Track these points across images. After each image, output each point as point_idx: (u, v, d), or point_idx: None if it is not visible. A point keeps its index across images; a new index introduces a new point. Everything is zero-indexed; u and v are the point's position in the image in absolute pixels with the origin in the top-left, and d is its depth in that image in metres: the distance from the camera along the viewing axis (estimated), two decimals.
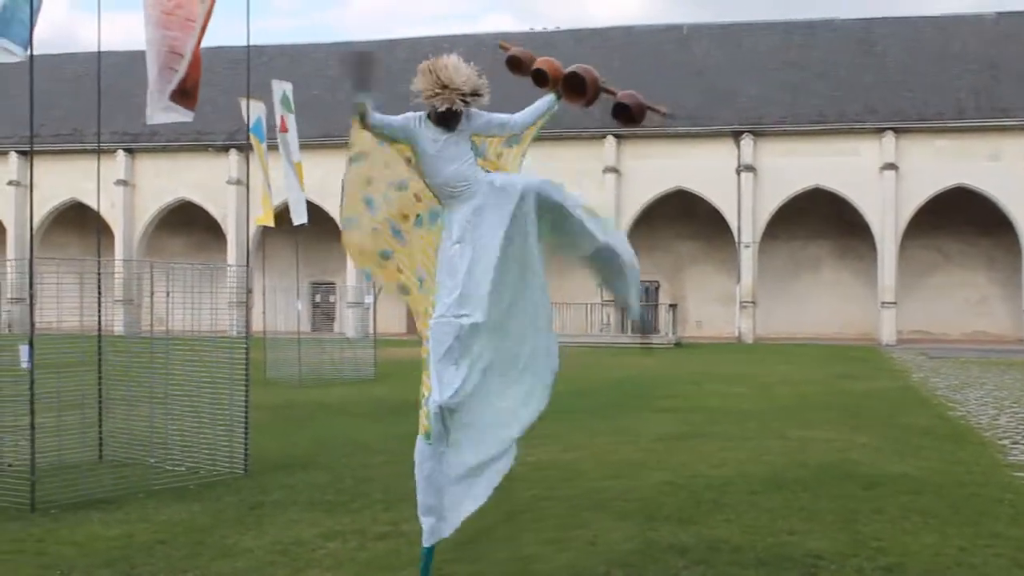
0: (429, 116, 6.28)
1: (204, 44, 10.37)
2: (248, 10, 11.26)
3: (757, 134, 43.51)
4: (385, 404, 16.81)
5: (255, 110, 22.67)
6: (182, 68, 10.06)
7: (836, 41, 47.54)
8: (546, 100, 6.85)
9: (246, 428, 10.02)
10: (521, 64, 6.88)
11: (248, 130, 22.27)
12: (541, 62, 6.71)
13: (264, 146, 23.08)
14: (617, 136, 44.80)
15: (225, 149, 48.46)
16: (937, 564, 6.51)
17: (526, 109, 6.87)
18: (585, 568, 6.45)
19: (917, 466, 10.29)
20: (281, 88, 23.29)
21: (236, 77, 44.36)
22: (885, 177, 42.97)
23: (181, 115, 10.32)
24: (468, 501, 6.23)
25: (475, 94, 6.29)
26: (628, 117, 6.70)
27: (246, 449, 9.95)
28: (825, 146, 43.36)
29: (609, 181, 44.95)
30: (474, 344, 6.05)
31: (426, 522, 6.04)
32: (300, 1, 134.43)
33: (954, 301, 46.64)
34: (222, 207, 49.21)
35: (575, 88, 6.71)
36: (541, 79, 6.73)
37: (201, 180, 49.33)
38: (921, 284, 46.27)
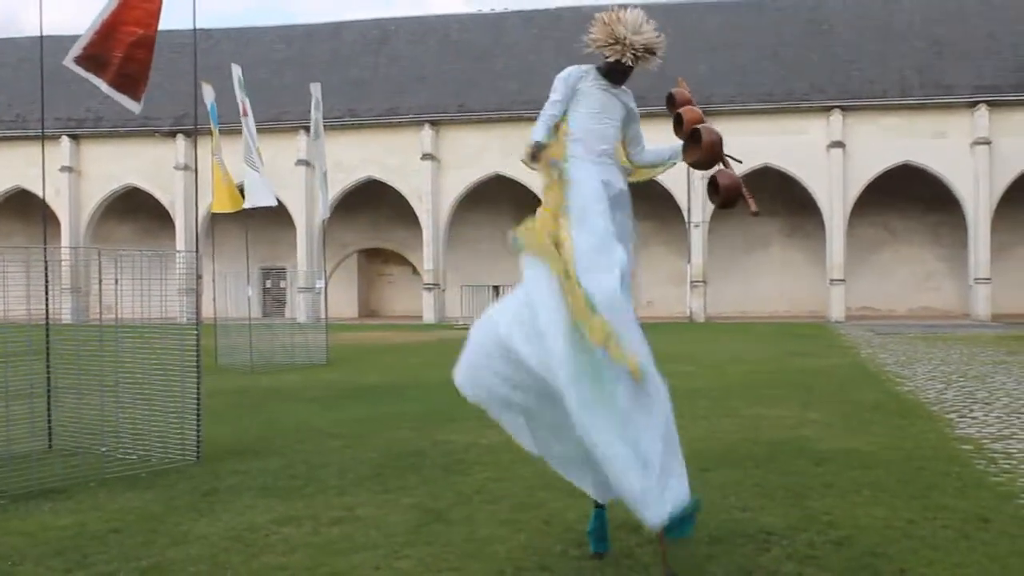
0: (599, 68, 6.32)
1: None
2: None
3: (706, 113, 43.44)
4: (337, 389, 16.78)
5: (209, 95, 22.53)
6: (87, 34, 10.06)
7: (783, 20, 47.82)
8: (672, 149, 6.66)
9: (198, 415, 9.95)
10: (674, 103, 6.69)
11: (209, 115, 22.16)
12: (685, 109, 6.50)
13: (217, 131, 22.94)
14: None
15: (172, 134, 48.03)
16: (886, 537, 6.60)
17: (655, 147, 6.76)
18: (541, 548, 6.48)
19: (867, 441, 10.42)
20: (236, 72, 23.10)
21: (181, 61, 44.02)
22: (833, 155, 43.37)
23: (92, 79, 10.28)
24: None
25: (648, 51, 6.21)
26: (721, 200, 6.39)
27: (198, 436, 9.89)
28: (773, 125, 43.64)
29: None
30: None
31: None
32: None
33: (901, 277, 47.30)
34: (170, 193, 48.79)
35: (691, 145, 6.47)
36: (677, 127, 6.53)
37: (148, 166, 48.91)
38: (869, 261, 46.84)
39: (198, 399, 10.03)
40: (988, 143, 42.08)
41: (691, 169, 6.68)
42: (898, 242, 47.61)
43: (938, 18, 46.19)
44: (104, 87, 10.30)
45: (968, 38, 44.88)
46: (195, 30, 12.75)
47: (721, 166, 6.46)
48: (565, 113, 6.26)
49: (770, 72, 45.27)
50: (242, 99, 22.89)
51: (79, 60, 10.08)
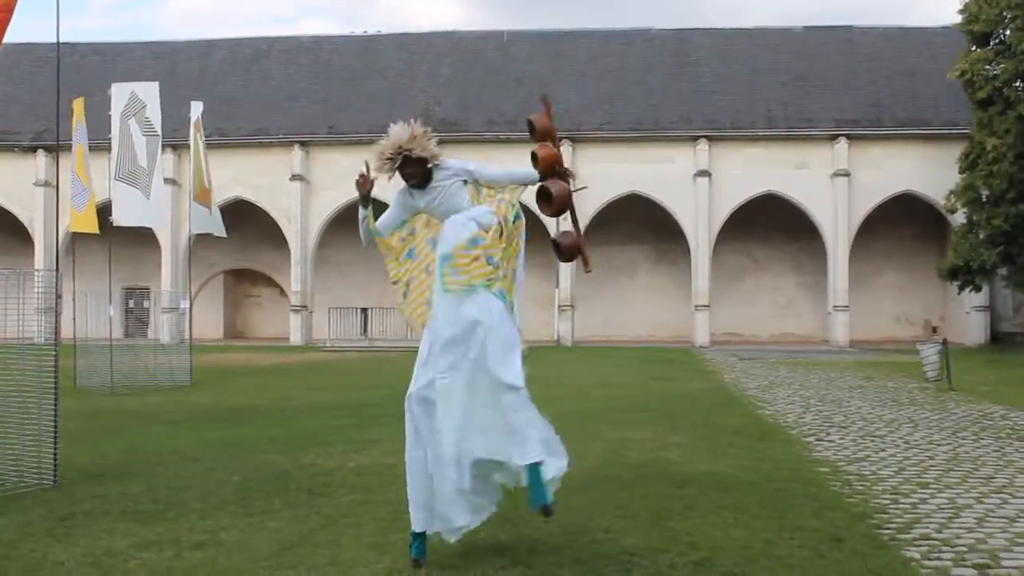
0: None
1: (8, 40, 10.10)
2: (58, 6, 10.89)
3: (576, 140, 44.15)
4: (201, 411, 16.50)
5: (79, 110, 22.03)
6: None
7: (652, 51, 48.66)
8: (528, 174, 6.87)
9: (55, 437, 9.70)
10: (533, 131, 6.91)
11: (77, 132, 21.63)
12: (540, 147, 6.77)
13: (86, 147, 22.35)
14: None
15: (32, 149, 46.66)
16: (745, 557, 6.74)
17: (505, 169, 7.04)
18: (406, 571, 6.46)
19: (728, 464, 10.63)
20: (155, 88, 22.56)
21: (44, 75, 42.96)
22: (699, 183, 44.21)
23: None
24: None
25: (399, 149, 6.64)
26: (560, 254, 7.13)
27: (55, 459, 9.63)
28: (641, 153, 44.29)
29: None
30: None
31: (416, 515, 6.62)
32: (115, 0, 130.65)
33: (764, 304, 48.41)
34: (29, 210, 47.40)
35: (544, 198, 6.81)
36: (533, 160, 6.80)
37: (6, 182, 47.39)
38: (733, 287, 47.80)
39: (55, 421, 9.78)
40: (847, 175, 43.40)
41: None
42: (761, 270, 48.75)
43: (801, 53, 47.56)
44: None
45: (830, 74, 46.30)
46: (58, 43, 12.46)
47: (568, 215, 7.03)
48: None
49: (639, 101, 45.99)
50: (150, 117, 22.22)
51: None
